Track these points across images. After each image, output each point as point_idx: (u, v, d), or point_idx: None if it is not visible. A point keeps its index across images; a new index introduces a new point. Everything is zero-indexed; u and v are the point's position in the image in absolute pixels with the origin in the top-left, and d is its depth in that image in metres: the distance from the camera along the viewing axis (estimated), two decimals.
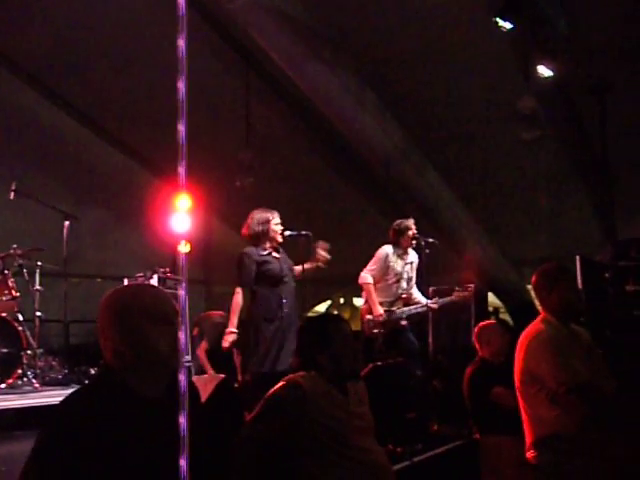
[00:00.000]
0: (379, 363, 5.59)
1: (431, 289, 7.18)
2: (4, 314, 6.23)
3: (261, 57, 8.15)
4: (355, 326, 6.21)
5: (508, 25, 6.30)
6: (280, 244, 5.52)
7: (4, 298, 6.37)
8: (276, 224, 5.46)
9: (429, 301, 6.66)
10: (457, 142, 8.97)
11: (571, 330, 3.66)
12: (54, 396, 5.51)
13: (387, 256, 6.61)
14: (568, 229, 9.35)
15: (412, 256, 6.76)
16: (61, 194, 9.12)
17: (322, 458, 2.99)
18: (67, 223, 7.10)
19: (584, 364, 3.48)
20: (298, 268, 5.57)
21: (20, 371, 6.09)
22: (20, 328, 6.22)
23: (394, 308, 6.57)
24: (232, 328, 5.28)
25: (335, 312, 11.89)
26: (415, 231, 6.62)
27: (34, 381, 6.11)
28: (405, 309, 6.63)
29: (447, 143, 9.04)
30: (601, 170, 8.09)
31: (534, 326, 3.63)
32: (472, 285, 7.23)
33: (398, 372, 5.79)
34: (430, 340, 6.58)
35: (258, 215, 5.45)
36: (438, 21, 7.45)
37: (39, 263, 6.86)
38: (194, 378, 5.03)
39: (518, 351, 3.61)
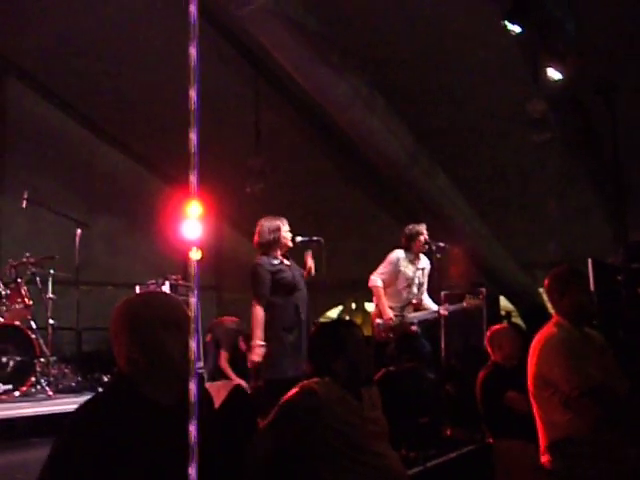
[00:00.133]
0: (392, 368, 5.58)
1: (443, 294, 7.16)
2: (17, 322, 6.27)
3: (270, 63, 8.17)
4: (367, 331, 6.21)
5: (517, 29, 6.30)
6: (291, 250, 5.51)
7: (17, 306, 6.41)
8: (286, 231, 5.44)
9: (440, 308, 6.63)
10: (467, 146, 8.97)
11: (584, 333, 3.64)
12: (67, 404, 5.54)
13: (398, 260, 6.59)
14: (580, 232, 9.32)
15: (424, 262, 6.74)
16: (73, 202, 9.16)
17: (336, 464, 2.98)
18: (79, 231, 7.14)
19: (597, 367, 3.46)
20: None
21: (33, 379, 6.12)
22: (33, 336, 6.25)
23: (404, 313, 6.56)
24: (259, 341, 5.18)
25: (347, 317, 11.89)
26: (427, 236, 6.60)
27: (47, 389, 6.14)
28: (415, 314, 6.61)
29: (457, 147, 9.03)
30: (612, 172, 8.05)
31: (547, 329, 3.61)
32: (483, 290, 7.22)
33: (411, 377, 5.77)
34: (442, 344, 6.55)
35: (268, 223, 5.41)
36: (447, 26, 7.46)
37: (52, 271, 6.90)
38: (207, 384, 5.03)
39: (531, 355, 3.59)
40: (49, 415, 5.00)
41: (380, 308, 6.56)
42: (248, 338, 7.45)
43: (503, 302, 10.15)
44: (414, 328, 6.56)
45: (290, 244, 5.45)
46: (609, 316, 6.27)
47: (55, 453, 1.90)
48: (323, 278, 5.65)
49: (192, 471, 1.45)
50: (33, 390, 6.14)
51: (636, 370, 4.14)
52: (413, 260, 6.65)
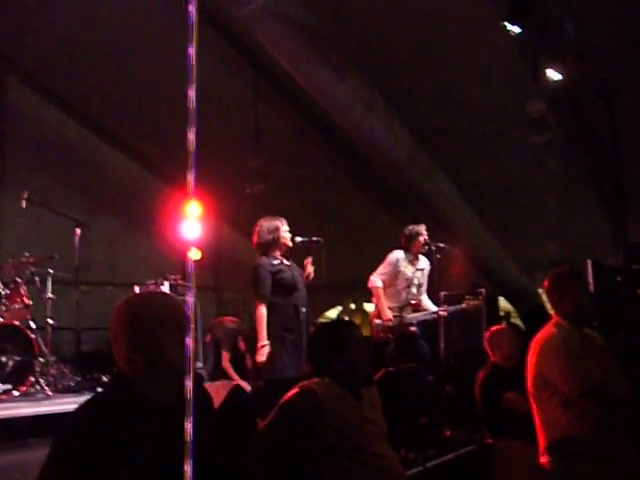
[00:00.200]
0: (391, 369, 5.58)
1: (442, 294, 7.16)
2: (17, 322, 6.27)
3: (270, 63, 8.17)
4: (366, 332, 6.20)
5: (517, 29, 6.29)
6: (290, 250, 5.52)
7: (17, 306, 6.41)
8: (285, 231, 5.44)
9: (438, 309, 6.62)
10: (467, 146, 8.97)
11: (584, 334, 3.64)
12: (67, 403, 5.54)
13: (398, 261, 6.60)
14: (579, 233, 9.32)
15: (423, 263, 6.74)
16: (72, 202, 9.15)
17: (336, 464, 2.98)
18: (78, 231, 7.14)
19: (597, 368, 3.46)
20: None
21: (32, 379, 6.12)
22: (32, 336, 6.25)
23: (403, 314, 6.55)
24: (264, 341, 5.17)
25: (346, 318, 11.90)
26: (426, 237, 6.60)
27: (46, 389, 6.14)
28: (414, 315, 6.61)
29: (457, 148, 9.03)
30: (612, 173, 8.05)
31: (546, 330, 3.62)
32: (483, 291, 7.21)
33: (410, 377, 5.77)
34: (442, 345, 6.55)
35: (267, 223, 5.42)
36: (447, 26, 7.45)
37: (51, 271, 6.90)
38: (207, 385, 5.03)
39: (530, 355, 3.60)
40: (48, 415, 5.00)
41: (379, 309, 6.56)
42: (247, 338, 7.48)
43: (502, 303, 10.16)
44: (413, 329, 6.56)
45: (289, 244, 5.45)
46: (609, 317, 6.26)
47: (54, 453, 1.90)
48: (322, 278, 5.66)
49: (187, 468, 1.45)
50: (32, 390, 6.14)
51: (636, 371, 4.14)
52: (413, 261, 6.66)
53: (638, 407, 3.49)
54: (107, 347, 2.16)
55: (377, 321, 6.57)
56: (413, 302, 6.64)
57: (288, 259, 5.48)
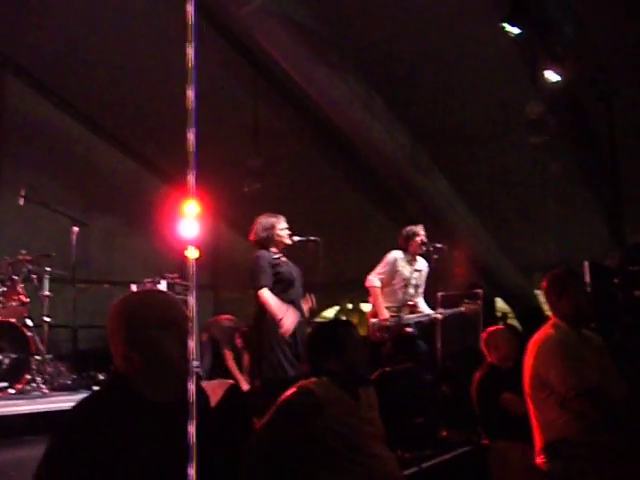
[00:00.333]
0: (387, 369, 5.58)
1: (439, 295, 7.15)
2: (13, 320, 6.26)
3: (269, 63, 8.17)
4: (362, 332, 6.20)
5: (516, 30, 6.30)
6: (288, 249, 5.52)
7: (13, 304, 6.40)
8: (281, 229, 5.44)
9: (434, 312, 6.59)
10: (465, 147, 8.97)
11: (581, 335, 3.65)
12: (63, 401, 5.53)
13: (396, 261, 6.59)
14: (577, 234, 9.32)
15: (421, 264, 6.73)
16: (70, 200, 9.14)
17: (333, 464, 2.98)
18: (76, 229, 7.13)
19: (594, 369, 3.46)
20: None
21: (29, 376, 6.11)
22: (29, 333, 6.24)
23: (400, 314, 6.54)
24: (280, 315, 5.09)
25: (343, 317, 11.89)
26: (424, 237, 6.60)
27: (43, 386, 6.13)
28: (411, 316, 6.60)
29: (455, 148, 9.04)
30: (610, 175, 8.07)
31: (544, 331, 3.62)
32: (480, 292, 7.22)
33: (407, 377, 5.77)
34: (439, 345, 6.55)
35: (264, 221, 5.44)
36: (446, 26, 7.46)
37: (48, 269, 6.88)
38: (203, 383, 5.03)
39: (527, 356, 3.60)
40: (44, 413, 4.98)
41: (376, 308, 6.56)
42: (244, 335, 7.49)
43: (499, 303, 10.17)
44: (409, 330, 6.55)
45: (287, 242, 5.45)
46: (606, 319, 6.27)
47: (51, 452, 1.89)
48: (319, 278, 5.65)
49: (191, 470, 1.45)
50: (28, 388, 6.13)
51: (633, 372, 4.14)
52: (411, 261, 6.65)
53: (635, 408, 3.49)
54: (104, 345, 2.16)
55: (373, 320, 6.56)
56: (410, 303, 6.64)
57: (285, 256, 5.49)
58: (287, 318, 5.09)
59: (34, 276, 6.79)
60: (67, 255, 7.04)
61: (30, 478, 1.88)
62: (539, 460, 3.53)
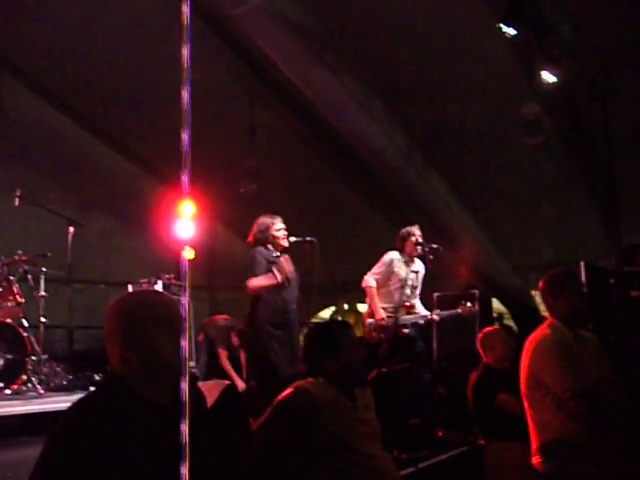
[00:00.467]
0: (384, 369, 5.58)
1: (435, 295, 7.15)
2: (9, 320, 6.25)
3: (265, 63, 8.16)
4: (359, 332, 6.20)
5: (512, 31, 6.29)
6: (286, 250, 5.52)
7: (9, 304, 6.38)
8: (277, 229, 5.46)
9: (431, 313, 6.58)
10: (462, 148, 8.98)
11: (578, 335, 3.65)
12: (59, 402, 5.52)
13: (392, 261, 6.60)
14: (573, 235, 9.34)
15: (418, 265, 6.73)
16: (66, 200, 9.13)
17: (330, 464, 2.98)
18: (72, 229, 7.12)
19: (590, 369, 3.47)
20: None
21: (25, 377, 6.10)
22: (25, 334, 6.23)
23: (397, 315, 6.54)
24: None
25: (340, 318, 11.90)
26: (419, 237, 6.59)
27: (39, 387, 6.12)
28: (408, 317, 6.59)
29: (451, 149, 9.04)
30: (606, 175, 8.08)
31: (540, 331, 3.62)
32: (476, 292, 7.22)
33: (403, 378, 5.78)
34: (435, 346, 6.55)
35: (260, 221, 5.48)
36: (442, 28, 7.46)
37: (44, 269, 6.88)
38: (200, 384, 5.02)
39: (524, 356, 3.60)
40: (40, 413, 4.97)
41: (373, 308, 6.56)
42: (240, 334, 7.49)
43: (495, 304, 10.17)
44: (406, 331, 6.55)
45: (283, 242, 5.47)
46: (601, 319, 6.28)
47: (47, 452, 1.89)
48: (316, 279, 5.65)
49: (184, 470, 1.45)
50: (24, 388, 6.12)
51: (629, 373, 4.15)
52: (407, 262, 6.66)
53: (631, 409, 3.49)
54: (100, 345, 2.16)
55: (369, 320, 6.56)
56: (407, 304, 6.64)
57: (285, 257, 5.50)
58: (278, 271, 5.22)
59: (30, 276, 6.77)
60: (63, 255, 7.04)
61: (26, 479, 1.88)
62: (535, 461, 3.53)
